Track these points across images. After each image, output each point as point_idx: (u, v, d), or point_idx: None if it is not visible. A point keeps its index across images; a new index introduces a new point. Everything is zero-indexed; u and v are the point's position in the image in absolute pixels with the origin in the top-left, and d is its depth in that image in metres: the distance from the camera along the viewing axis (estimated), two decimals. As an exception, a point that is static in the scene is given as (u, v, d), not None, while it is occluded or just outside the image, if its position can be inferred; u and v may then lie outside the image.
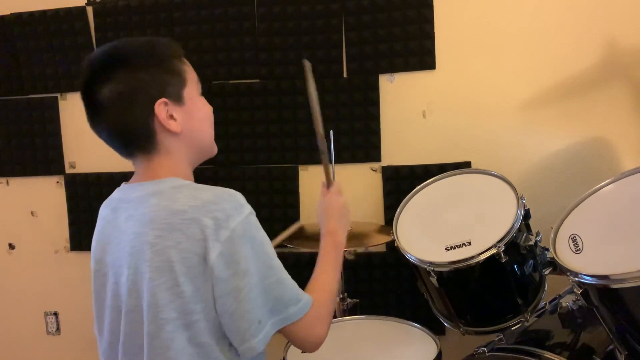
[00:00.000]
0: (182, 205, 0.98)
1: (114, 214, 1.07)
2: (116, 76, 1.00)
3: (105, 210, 1.11)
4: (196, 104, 1.10)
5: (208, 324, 0.98)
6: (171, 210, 0.98)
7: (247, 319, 0.98)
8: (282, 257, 1.05)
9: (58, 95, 2.23)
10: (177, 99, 1.05)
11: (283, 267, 1.04)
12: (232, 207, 0.98)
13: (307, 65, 1.32)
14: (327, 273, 1.19)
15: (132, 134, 1.03)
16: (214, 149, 1.17)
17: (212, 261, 0.95)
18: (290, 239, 1.68)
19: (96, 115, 1.03)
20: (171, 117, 1.04)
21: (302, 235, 1.80)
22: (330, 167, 1.39)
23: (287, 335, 1.08)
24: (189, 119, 1.07)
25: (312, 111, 1.32)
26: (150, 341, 0.98)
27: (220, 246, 0.95)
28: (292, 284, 1.05)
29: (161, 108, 1.02)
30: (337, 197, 1.33)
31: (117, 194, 1.10)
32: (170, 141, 1.05)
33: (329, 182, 1.37)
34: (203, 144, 1.13)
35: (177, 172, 1.06)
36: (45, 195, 2.29)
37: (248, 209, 1.01)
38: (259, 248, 1.00)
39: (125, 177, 1.10)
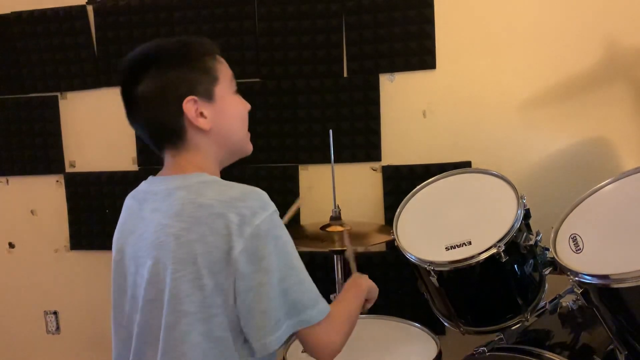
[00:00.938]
0: (210, 199, 0.99)
1: (140, 205, 1.08)
2: (148, 75, 1.04)
3: (130, 201, 1.13)
4: (228, 102, 1.11)
5: (226, 319, 0.99)
6: (198, 204, 0.99)
7: (265, 316, 0.98)
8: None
9: (58, 94, 2.23)
10: (208, 96, 1.07)
11: (304, 269, 1.04)
12: (258, 204, 1.00)
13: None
14: (343, 300, 1.20)
15: (164, 129, 1.06)
16: (247, 147, 1.18)
17: (236, 256, 0.96)
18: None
19: (132, 110, 1.08)
20: (201, 114, 1.05)
21: (302, 235, 1.80)
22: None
23: (302, 339, 1.07)
24: (219, 116, 1.08)
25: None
26: (167, 332, 0.99)
27: (244, 242, 0.96)
28: (313, 286, 1.05)
29: (189, 105, 1.04)
30: (367, 280, 1.32)
31: (143, 185, 1.12)
32: (199, 138, 1.07)
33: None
34: (233, 141, 1.14)
35: (204, 168, 1.08)
36: (45, 195, 2.29)
37: (273, 207, 1.02)
38: (282, 247, 1.01)
39: (125, 176, 1.11)
